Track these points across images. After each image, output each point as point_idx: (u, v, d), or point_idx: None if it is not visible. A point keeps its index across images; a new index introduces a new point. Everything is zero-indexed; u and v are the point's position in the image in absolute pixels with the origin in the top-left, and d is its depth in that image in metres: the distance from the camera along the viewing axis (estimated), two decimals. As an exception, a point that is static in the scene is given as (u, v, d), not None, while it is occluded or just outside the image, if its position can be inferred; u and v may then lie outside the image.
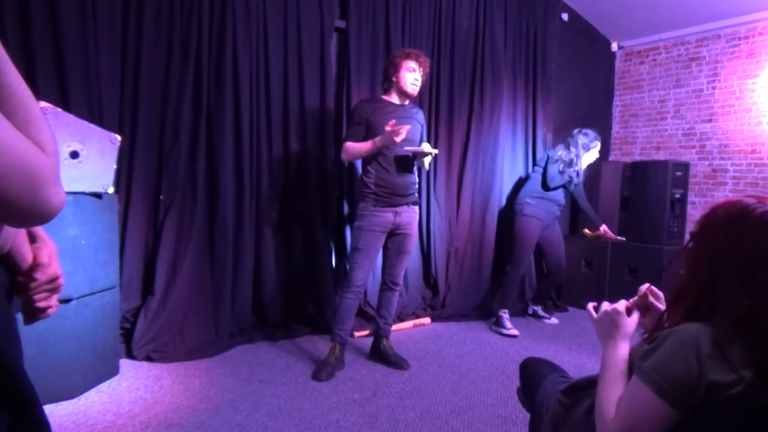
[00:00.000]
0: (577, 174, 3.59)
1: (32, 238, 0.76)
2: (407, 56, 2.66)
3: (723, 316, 0.86)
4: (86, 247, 2.23)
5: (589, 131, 3.61)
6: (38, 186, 0.52)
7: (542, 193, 3.66)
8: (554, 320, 3.88)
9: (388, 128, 2.45)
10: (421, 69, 2.68)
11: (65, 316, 2.15)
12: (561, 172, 3.56)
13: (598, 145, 3.65)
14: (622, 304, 1.10)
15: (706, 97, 4.58)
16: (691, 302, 0.92)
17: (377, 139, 2.55)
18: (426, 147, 2.65)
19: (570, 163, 3.56)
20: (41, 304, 0.74)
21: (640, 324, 1.14)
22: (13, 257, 0.71)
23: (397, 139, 2.45)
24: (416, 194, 2.80)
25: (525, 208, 3.63)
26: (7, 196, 0.50)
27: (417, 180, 2.82)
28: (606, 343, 1.07)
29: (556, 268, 3.82)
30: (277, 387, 2.45)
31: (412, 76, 2.65)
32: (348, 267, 2.78)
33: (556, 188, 3.63)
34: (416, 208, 2.82)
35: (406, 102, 2.75)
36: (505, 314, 3.55)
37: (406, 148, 2.61)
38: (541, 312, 3.95)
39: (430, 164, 2.86)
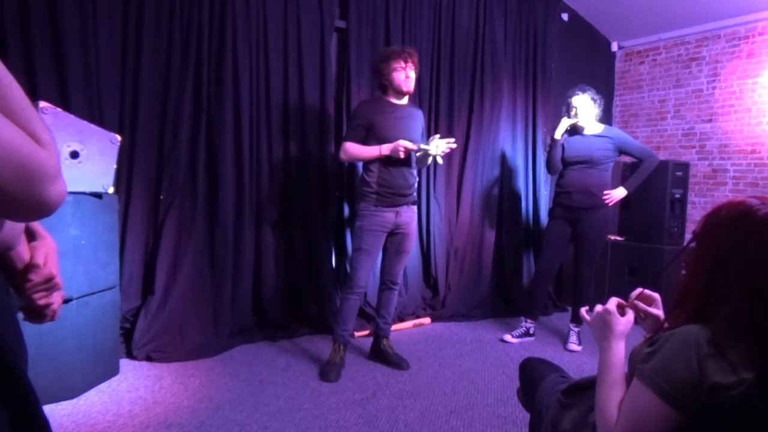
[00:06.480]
0: (551, 146, 3.28)
1: (32, 236, 0.75)
2: (389, 58, 2.60)
3: (723, 318, 0.86)
4: (86, 247, 2.23)
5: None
6: (34, 179, 0.50)
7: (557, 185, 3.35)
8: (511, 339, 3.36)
9: (401, 149, 2.50)
10: (410, 63, 2.60)
11: (65, 316, 2.15)
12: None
13: (575, 107, 3.18)
14: (613, 304, 1.10)
15: (706, 97, 4.58)
16: (693, 303, 0.92)
17: (384, 147, 2.56)
18: (432, 147, 2.61)
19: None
20: (41, 302, 0.74)
21: (641, 326, 1.14)
22: (10, 256, 0.70)
23: (401, 156, 2.54)
24: (415, 194, 2.81)
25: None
26: (1, 190, 0.48)
27: (417, 179, 2.83)
28: (601, 345, 1.07)
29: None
30: (277, 387, 2.45)
31: (402, 75, 2.61)
32: (349, 268, 2.77)
33: (552, 172, 3.37)
34: (415, 207, 2.82)
35: (405, 99, 2.75)
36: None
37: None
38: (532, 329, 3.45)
39: (430, 164, 2.85)
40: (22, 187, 0.49)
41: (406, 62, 2.60)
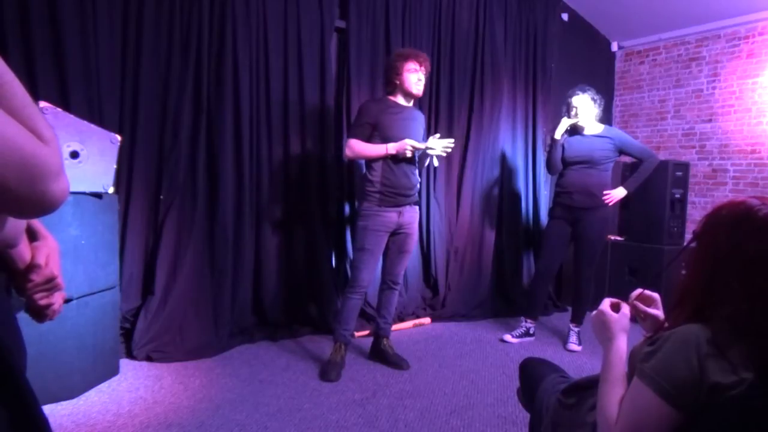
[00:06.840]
0: (551, 146, 3.29)
1: (33, 236, 0.75)
2: (407, 58, 2.63)
3: (723, 318, 0.86)
4: (86, 247, 2.23)
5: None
6: (36, 176, 0.50)
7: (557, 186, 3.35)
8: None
9: (408, 148, 2.53)
10: (423, 68, 2.65)
11: (65, 316, 2.15)
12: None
13: (575, 107, 3.18)
14: (606, 304, 1.11)
15: (706, 97, 4.58)
16: (693, 303, 0.92)
17: (390, 146, 2.57)
18: (432, 145, 2.60)
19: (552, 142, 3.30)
20: (42, 302, 0.74)
21: (641, 326, 1.15)
22: (11, 256, 0.70)
23: (408, 155, 2.57)
24: (417, 194, 2.81)
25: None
26: (3, 187, 0.48)
27: (419, 180, 2.83)
28: (603, 345, 1.07)
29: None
30: (278, 387, 2.45)
31: (415, 77, 2.63)
32: (352, 268, 2.77)
33: (552, 172, 3.38)
34: (417, 207, 2.82)
35: (411, 102, 2.75)
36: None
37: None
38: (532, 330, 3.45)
39: (430, 164, 2.85)
40: (24, 184, 0.49)
41: (420, 65, 2.64)
